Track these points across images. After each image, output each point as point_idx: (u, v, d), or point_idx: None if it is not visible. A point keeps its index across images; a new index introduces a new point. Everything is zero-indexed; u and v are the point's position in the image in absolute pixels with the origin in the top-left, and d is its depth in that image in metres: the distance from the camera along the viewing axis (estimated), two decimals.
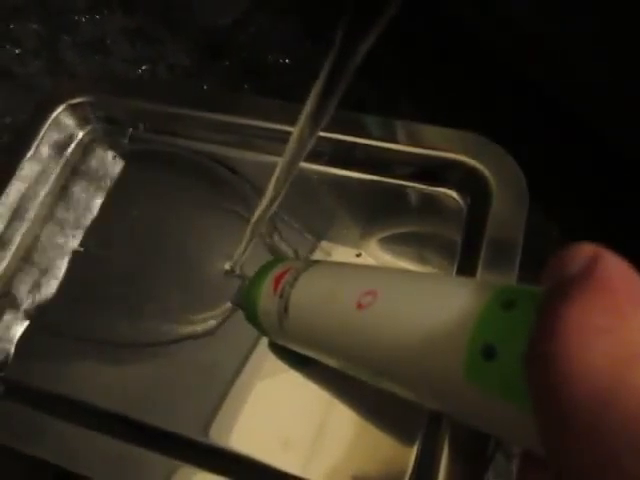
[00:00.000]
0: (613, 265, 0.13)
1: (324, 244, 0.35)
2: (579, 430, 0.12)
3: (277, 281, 0.27)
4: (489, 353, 0.16)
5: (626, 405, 0.11)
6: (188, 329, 0.33)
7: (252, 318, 0.29)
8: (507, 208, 0.32)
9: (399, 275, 0.23)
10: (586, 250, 0.14)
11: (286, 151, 0.25)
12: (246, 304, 0.29)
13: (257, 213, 0.29)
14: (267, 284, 0.27)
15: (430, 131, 0.34)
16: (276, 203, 0.28)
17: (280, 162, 0.26)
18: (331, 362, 0.26)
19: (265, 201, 0.28)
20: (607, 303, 0.12)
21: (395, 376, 0.21)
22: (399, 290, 0.22)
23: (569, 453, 0.12)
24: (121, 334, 0.34)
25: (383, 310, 0.21)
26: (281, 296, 0.26)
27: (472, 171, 0.33)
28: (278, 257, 0.34)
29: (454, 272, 0.33)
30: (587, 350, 0.12)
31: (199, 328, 0.33)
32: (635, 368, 0.12)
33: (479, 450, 0.27)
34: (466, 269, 0.32)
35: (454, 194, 0.35)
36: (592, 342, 0.12)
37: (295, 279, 0.26)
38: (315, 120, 0.23)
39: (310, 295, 0.25)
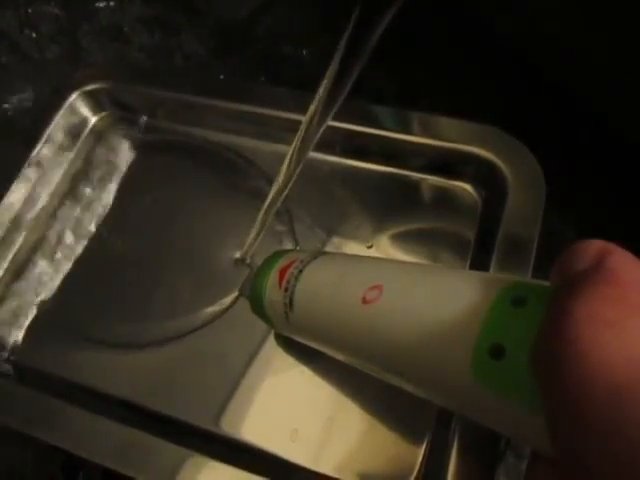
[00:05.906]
0: (622, 259, 0.13)
1: (335, 238, 0.35)
2: (596, 428, 0.11)
3: (282, 274, 0.27)
4: (498, 352, 0.16)
5: None
6: (198, 317, 0.33)
7: (258, 310, 0.29)
8: (523, 204, 0.31)
9: (405, 269, 0.23)
10: (595, 245, 0.14)
11: (296, 139, 0.25)
12: (252, 296, 0.29)
13: (267, 202, 0.29)
14: (272, 276, 0.27)
15: (446, 123, 0.34)
16: (285, 192, 0.28)
17: (290, 150, 0.25)
18: (337, 356, 0.25)
19: (275, 190, 0.28)
20: (616, 296, 0.12)
21: (401, 372, 0.21)
22: (405, 285, 0.21)
23: (585, 452, 0.12)
24: (131, 321, 0.34)
25: (389, 305, 0.21)
26: (286, 289, 0.26)
27: (488, 165, 0.33)
28: (283, 249, 0.34)
29: (466, 268, 0.32)
30: (599, 346, 0.12)
31: (209, 316, 0.33)
32: None
33: (489, 448, 0.26)
34: (479, 266, 0.31)
35: (469, 188, 0.35)
36: (602, 337, 0.12)
37: (300, 272, 0.26)
38: (325, 109, 0.23)
39: (315, 289, 0.25)
